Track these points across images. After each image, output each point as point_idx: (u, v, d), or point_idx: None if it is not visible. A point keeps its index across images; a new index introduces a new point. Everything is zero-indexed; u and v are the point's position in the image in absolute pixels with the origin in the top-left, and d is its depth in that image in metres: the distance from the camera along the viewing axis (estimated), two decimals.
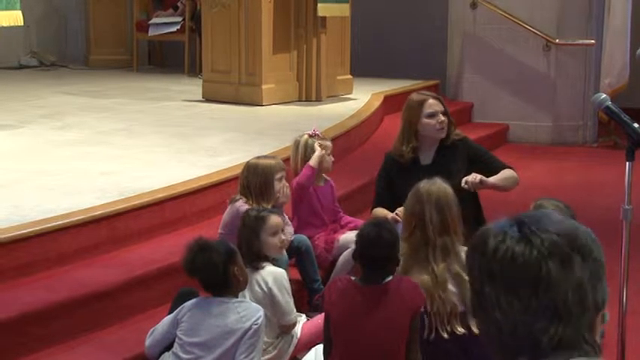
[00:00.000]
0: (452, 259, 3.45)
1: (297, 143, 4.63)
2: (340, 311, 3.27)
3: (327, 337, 3.34)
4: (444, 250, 3.46)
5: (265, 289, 3.67)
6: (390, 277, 3.30)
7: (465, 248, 3.52)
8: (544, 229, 1.47)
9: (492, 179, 4.33)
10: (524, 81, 8.79)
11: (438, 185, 3.57)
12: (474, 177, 4.25)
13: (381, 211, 4.45)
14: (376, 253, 3.29)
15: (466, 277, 3.42)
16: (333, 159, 4.67)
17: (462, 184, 4.22)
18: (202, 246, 3.32)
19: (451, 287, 3.41)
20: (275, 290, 3.68)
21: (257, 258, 3.72)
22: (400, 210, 4.11)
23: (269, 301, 3.66)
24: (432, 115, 4.43)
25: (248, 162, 4.30)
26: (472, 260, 1.52)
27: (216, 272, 3.30)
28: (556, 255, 1.45)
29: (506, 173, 4.44)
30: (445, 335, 3.35)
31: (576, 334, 1.45)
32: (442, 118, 4.44)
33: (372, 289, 3.28)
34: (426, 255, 3.46)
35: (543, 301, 1.44)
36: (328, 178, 4.71)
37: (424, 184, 3.59)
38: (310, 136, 4.63)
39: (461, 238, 3.54)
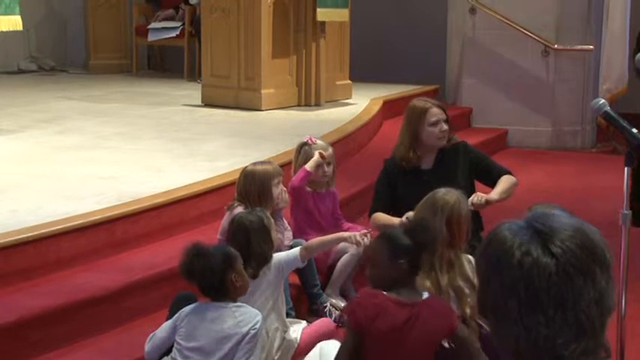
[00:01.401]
0: (455, 272, 3.45)
1: (298, 149, 4.64)
2: (381, 328, 3.07)
3: (348, 354, 3.11)
4: (449, 262, 3.46)
5: (271, 277, 3.69)
6: (427, 294, 3.19)
7: (468, 256, 3.53)
8: (567, 240, 1.44)
9: (496, 195, 4.35)
10: (523, 86, 8.80)
11: (455, 197, 3.56)
12: (480, 198, 4.26)
13: (381, 216, 4.46)
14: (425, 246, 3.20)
15: (467, 291, 3.42)
16: (327, 169, 4.58)
17: (469, 207, 4.23)
18: (199, 251, 3.30)
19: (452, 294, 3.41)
20: (273, 265, 3.71)
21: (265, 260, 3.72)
22: (410, 214, 4.10)
23: (277, 278, 3.70)
24: (434, 124, 4.46)
25: (244, 169, 4.29)
26: (491, 271, 1.48)
27: (212, 278, 3.28)
28: (581, 270, 1.42)
29: (506, 183, 4.45)
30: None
31: (597, 346, 1.43)
32: (445, 127, 4.47)
33: (413, 304, 3.12)
34: (431, 263, 3.43)
35: (568, 317, 1.42)
36: (333, 188, 4.71)
37: (441, 194, 3.57)
38: (304, 144, 4.62)
39: (464, 249, 3.55)
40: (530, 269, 1.43)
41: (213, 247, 3.41)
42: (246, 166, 4.31)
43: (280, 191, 4.22)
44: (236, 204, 4.17)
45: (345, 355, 3.09)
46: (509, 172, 4.54)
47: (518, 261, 1.44)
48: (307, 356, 3.61)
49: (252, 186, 4.18)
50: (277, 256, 3.75)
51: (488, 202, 4.28)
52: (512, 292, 1.44)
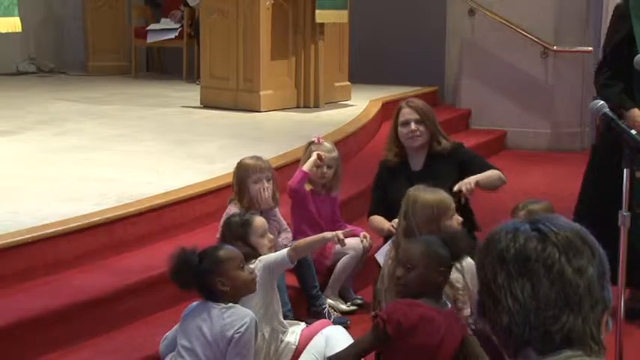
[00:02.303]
0: None
1: (306, 146, 4.66)
2: (425, 337, 3.08)
3: (370, 346, 3.17)
4: None
5: (260, 280, 3.67)
6: (448, 304, 3.23)
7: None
8: (557, 226, 1.52)
9: (476, 177, 4.35)
10: (522, 87, 8.80)
11: (412, 191, 3.61)
12: (468, 183, 4.27)
13: (377, 219, 4.46)
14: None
15: (447, 291, 3.43)
16: (326, 171, 4.58)
17: (458, 189, 4.23)
18: (179, 261, 3.25)
19: None
20: (263, 267, 3.70)
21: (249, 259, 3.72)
22: (395, 221, 4.12)
23: (267, 279, 3.68)
24: (404, 124, 4.47)
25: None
26: (484, 257, 1.55)
27: (198, 284, 3.27)
28: (570, 249, 1.49)
29: (490, 173, 4.46)
30: None
31: (585, 327, 1.47)
32: (413, 127, 4.45)
33: (448, 312, 3.18)
34: None
35: (555, 289, 1.47)
36: (335, 193, 4.70)
37: (413, 190, 3.66)
38: (311, 143, 4.64)
39: None
40: (519, 243, 1.51)
41: (199, 252, 3.32)
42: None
43: (259, 189, 4.21)
44: (231, 198, 4.26)
45: (368, 346, 3.14)
46: (497, 170, 4.54)
47: (506, 243, 1.52)
48: (311, 344, 3.58)
49: (234, 177, 4.29)
50: (266, 258, 3.72)
51: (476, 184, 4.29)
52: (502, 266, 1.51)
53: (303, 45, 7.68)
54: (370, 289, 4.18)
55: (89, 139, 6.39)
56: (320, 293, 4.40)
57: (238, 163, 4.33)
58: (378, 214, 4.47)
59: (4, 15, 6.19)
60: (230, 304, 3.28)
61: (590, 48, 8.66)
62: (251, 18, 7.45)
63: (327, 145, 4.68)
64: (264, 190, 4.22)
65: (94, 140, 6.34)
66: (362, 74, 8.81)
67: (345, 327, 4.08)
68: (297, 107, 7.73)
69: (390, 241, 3.92)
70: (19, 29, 6.38)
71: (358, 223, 4.96)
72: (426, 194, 3.62)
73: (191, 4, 9.95)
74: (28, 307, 3.70)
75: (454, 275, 3.46)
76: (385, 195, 4.50)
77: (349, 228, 4.69)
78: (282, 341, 3.73)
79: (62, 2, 11.01)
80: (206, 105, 7.79)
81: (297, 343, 3.75)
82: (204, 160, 5.68)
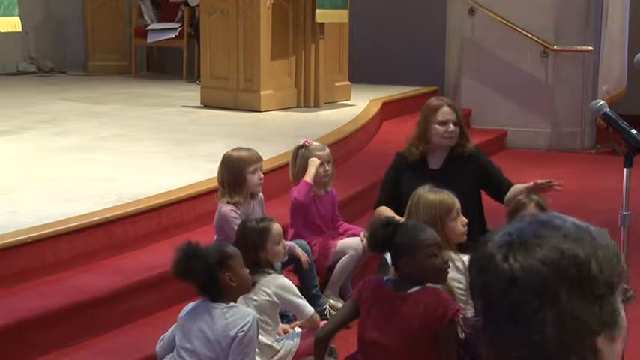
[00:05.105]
0: None
1: (295, 152, 4.63)
2: (367, 309, 3.23)
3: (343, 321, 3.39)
4: None
5: (271, 295, 3.67)
6: (418, 287, 3.20)
7: (461, 257, 3.55)
8: (532, 255, 1.36)
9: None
10: (522, 87, 8.80)
11: (427, 192, 3.62)
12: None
13: (384, 210, 4.45)
14: None
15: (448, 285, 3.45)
16: (328, 168, 4.59)
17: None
18: (190, 251, 3.25)
19: None
20: (283, 295, 3.70)
21: (264, 265, 3.73)
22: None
23: (273, 306, 3.69)
24: (443, 123, 4.46)
25: (224, 154, 4.32)
26: (470, 272, 1.47)
27: (203, 279, 3.25)
28: (540, 289, 1.34)
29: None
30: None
31: None
32: (452, 127, 4.46)
33: (397, 294, 3.21)
34: None
35: (521, 332, 1.35)
36: (330, 188, 4.69)
37: (419, 189, 3.65)
38: (301, 147, 4.61)
39: (453, 247, 3.56)
40: (488, 277, 1.38)
41: (205, 249, 3.33)
42: (226, 152, 4.35)
43: (257, 179, 4.22)
44: (219, 197, 4.24)
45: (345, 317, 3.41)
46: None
47: (482, 266, 1.40)
48: None
49: (227, 171, 4.23)
50: (286, 294, 3.73)
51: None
52: (474, 294, 1.43)
53: (303, 45, 7.68)
54: None
55: (89, 138, 6.39)
56: (320, 293, 4.39)
57: (228, 157, 4.27)
58: (386, 206, 4.48)
59: (4, 15, 6.19)
60: (231, 304, 3.28)
61: (591, 48, 8.66)
62: (251, 18, 7.45)
63: (317, 144, 4.68)
64: (260, 177, 4.24)
65: (94, 140, 6.34)
66: (362, 74, 8.80)
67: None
68: (297, 107, 7.72)
69: None
70: (19, 29, 6.38)
71: (358, 222, 4.96)
72: (429, 194, 3.62)
73: (191, 4, 9.95)
74: (28, 307, 3.70)
75: (455, 275, 3.46)
76: (396, 187, 4.49)
77: (347, 227, 4.69)
78: (282, 346, 3.74)
79: (62, 2, 11.00)
80: (206, 105, 7.79)
81: (297, 345, 3.75)
82: (205, 159, 5.67)
